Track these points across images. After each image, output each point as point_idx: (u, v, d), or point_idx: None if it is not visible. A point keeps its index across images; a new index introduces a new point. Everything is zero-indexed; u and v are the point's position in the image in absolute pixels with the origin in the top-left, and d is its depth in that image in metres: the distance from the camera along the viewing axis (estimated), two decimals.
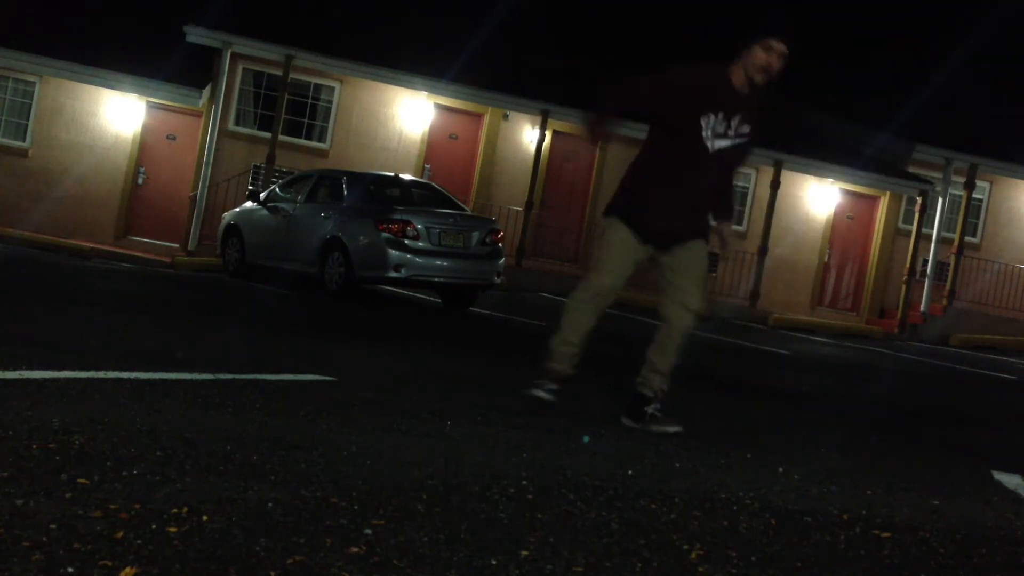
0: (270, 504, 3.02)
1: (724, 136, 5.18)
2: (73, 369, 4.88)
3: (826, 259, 22.64)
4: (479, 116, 21.12)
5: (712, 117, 5.14)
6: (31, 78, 19.71)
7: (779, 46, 5.16)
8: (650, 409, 5.21)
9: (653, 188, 5.24)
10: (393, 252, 12.92)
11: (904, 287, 21.37)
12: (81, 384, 4.52)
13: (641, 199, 5.25)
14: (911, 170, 22.06)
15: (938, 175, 21.75)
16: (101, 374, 4.84)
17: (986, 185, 22.81)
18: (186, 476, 3.21)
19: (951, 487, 4.65)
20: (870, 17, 28.69)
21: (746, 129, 5.23)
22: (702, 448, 4.83)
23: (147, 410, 4.13)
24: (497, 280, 13.82)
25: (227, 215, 16.45)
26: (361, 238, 13.24)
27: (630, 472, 4.09)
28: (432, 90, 20.13)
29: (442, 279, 13.37)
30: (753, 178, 22.03)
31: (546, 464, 4.04)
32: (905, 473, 4.92)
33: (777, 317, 19.97)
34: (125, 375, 4.90)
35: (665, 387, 5.27)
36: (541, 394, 5.32)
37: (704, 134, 5.13)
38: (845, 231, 22.76)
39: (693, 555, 3.06)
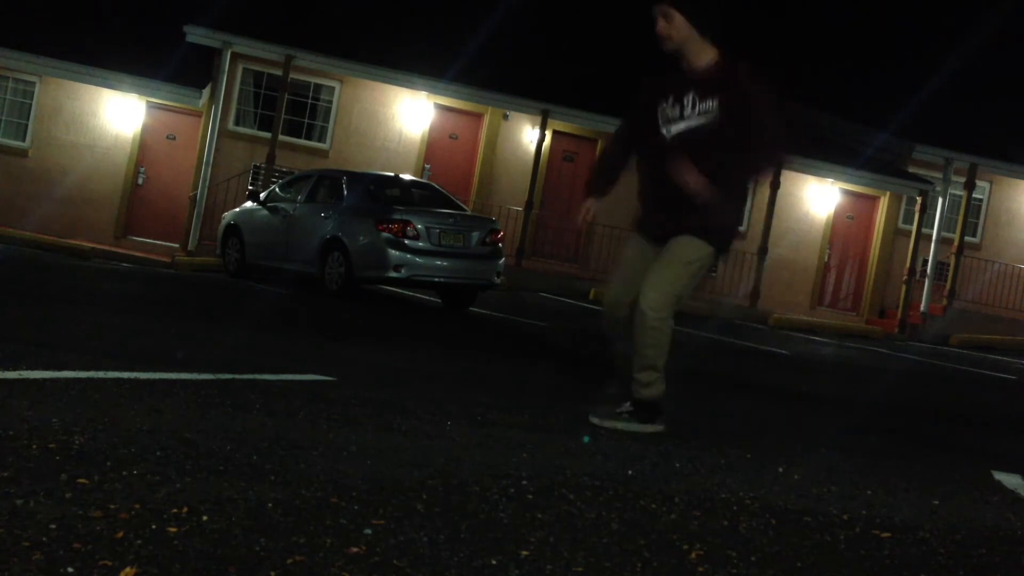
0: (270, 504, 3.02)
1: (680, 119, 5.01)
2: (73, 369, 4.88)
3: (826, 259, 22.64)
4: (479, 116, 21.12)
5: (663, 104, 5.05)
6: (31, 78, 19.71)
7: (656, 10, 4.99)
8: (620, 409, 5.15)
9: (642, 189, 5.25)
10: (393, 252, 12.93)
11: (904, 287, 21.37)
12: (81, 384, 4.51)
13: (640, 202, 5.30)
14: (911, 170, 22.07)
15: (938, 175, 21.76)
16: (101, 374, 4.84)
17: (986, 185, 22.82)
18: (186, 476, 3.21)
19: (951, 487, 4.65)
20: (870, 17, 28.70)
21: (708, 104, 4.95)
22: (702, 448, 4.83)
23: (147, 410, 4.13)
24: (497, 280, 13.83)
25: (227, 215, 16.45)
26: (361, 238, 13.24)
27: (630, 472, 4.09)
28: (432, 90, 20.13)
29: (442, 279, 13.37)
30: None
31: (546, 464, 4.04)
32: (905, 473, 4.91)
33: (777, 317, 19.97)
34: (125, 375, 4.90)
35: (634, 389, 5.07)
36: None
37: (659, 123, 5.05)
38: (845, 231, 22.76)
39: (693, 555, 3.06)
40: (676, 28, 4.94)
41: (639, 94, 5.26)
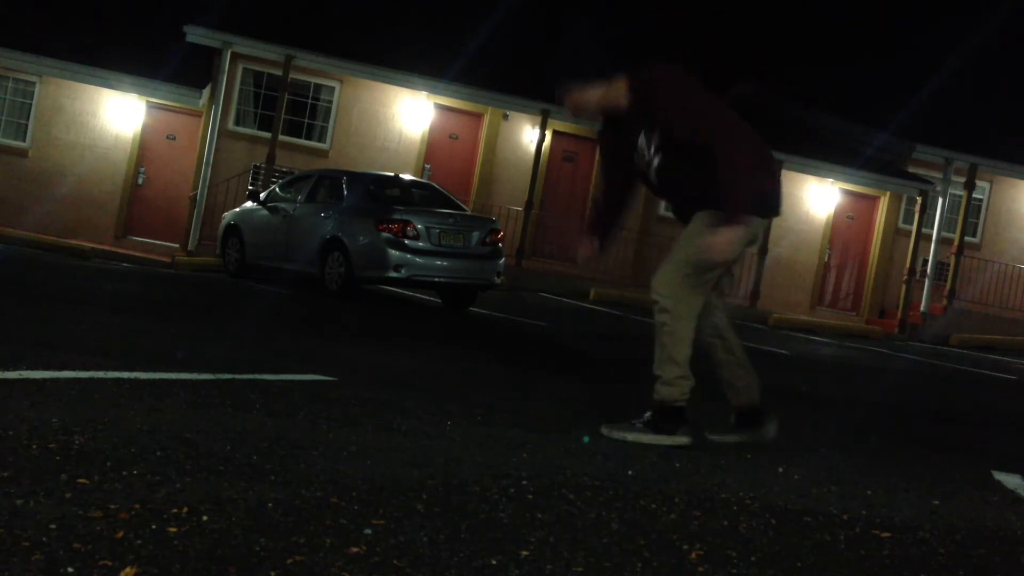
0: (270, 504, 3.02)
1: (646, 160, 4.83)
2: (73, 369, 4.88)
3: (826, 259, 22.64)
4: (479, 116, 21.12)
5: (633, 138, 4.85)
6: (31, 78, 19.71)
7: (563, 102, 4.94)
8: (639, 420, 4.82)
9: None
10: (393, 252, 12.93)
11: (904, 287, 21.37)
12: (81, 384, 4.52)
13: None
14: (911, 170, 22.07)
15: (938, 175, 21.76)
16: (101, 374, 4.84)
17: (986, 185, 22.82)
18: (186, 476, 3.21)
19: (951, 487, 4.65)
20: (870, 17, 28.70)
21: (649, 134, 4.78)
22: (702, 448, 4.83)
23: (147, 410, 4.13)
24: (497, 280, 13.82)
25: (227, 215, 16.45)
26: (361, 238, 13.24)
27: (630, 472, 4.09)
28: (432, 90, 20.14)
29: (442, 279, 13.37)
30: None
31: (546, 464, 4.04)
32: (905, 473, 4.91)
33: (777, 317, 19.97)
34: (125, 375, 4.90)
35: (655, 389, 4.75)
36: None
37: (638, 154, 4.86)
38: (845, 231, 22.76)
39: (693, 555, 3.06)
40: (583, 99, 4.79)
41: (602, 144, 5.08)
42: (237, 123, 20.26)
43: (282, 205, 15.00)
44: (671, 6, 27.14)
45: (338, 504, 3.11)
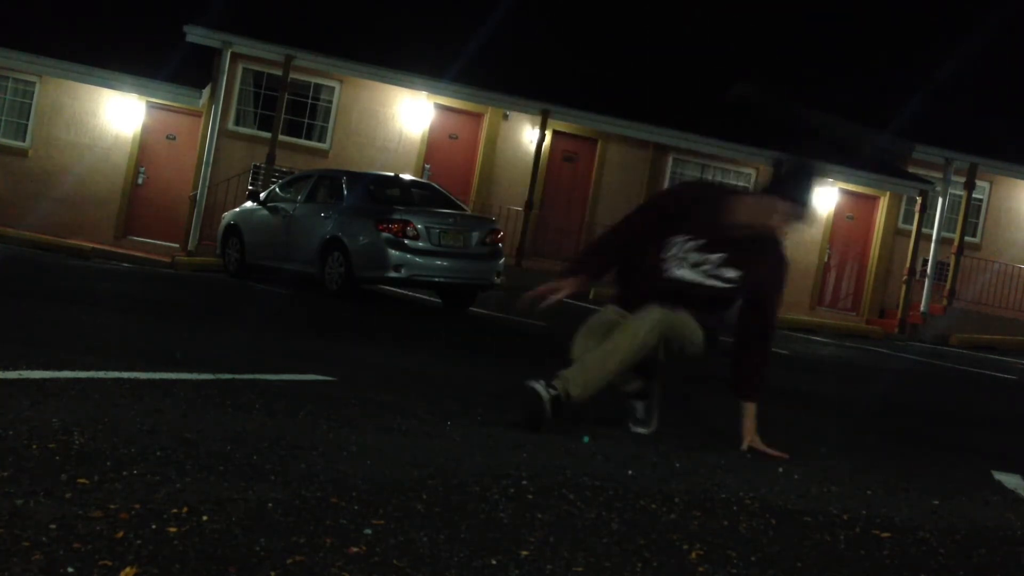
0: (270, 504, 3.02)
1: (694, 267, 4.70)
2: (73, 369, 4.88)
3: (826, 259, 22.64)
4: (479, 116, 21.12)
5: (682, 236, 4.66)
6: (31, 78, 19.71)
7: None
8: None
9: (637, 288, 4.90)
10: (393, 252, 12.93)
11: (904, 287, 21.37)
12: (81, 384, 4.51)
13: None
14: (911, 170, 22.06)
15: (938, 175, 21.76)
16: (101, 374, 4.84)
17: (986, 185, 22.82)
18: (186, 476, 3.21)
19: (951, 487, 4.65)
20: (870, 17, 28.70)
21: (730, 274, 4.68)
22: (702, 448, 4.83)
23: (147, 410, 4.13)
24: (497, 280, 13.82)
25: (227, 215, 16.45)
26: (361, 238, 13.24)
27: (630, 472, 4.09)
28: (432, 90, 20.13)
29: (442, 279, 13.38)
30: (753, 178, 22.04)
31: (546, 464, 4.04)
32: (905, 473, 4.92)
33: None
34: (125, 375, 4.90)
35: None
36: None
37: (664, 254, 4.69)
38: (845, 231, 22.76)
39: (693, 555, 3.06)
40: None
41: (669, 199, 5.17)
42: (237, 123, 20.25)
43: (282, 205, 15.00)
44: (671, 4, 27.13)
45: (338, 504, 3.11)
